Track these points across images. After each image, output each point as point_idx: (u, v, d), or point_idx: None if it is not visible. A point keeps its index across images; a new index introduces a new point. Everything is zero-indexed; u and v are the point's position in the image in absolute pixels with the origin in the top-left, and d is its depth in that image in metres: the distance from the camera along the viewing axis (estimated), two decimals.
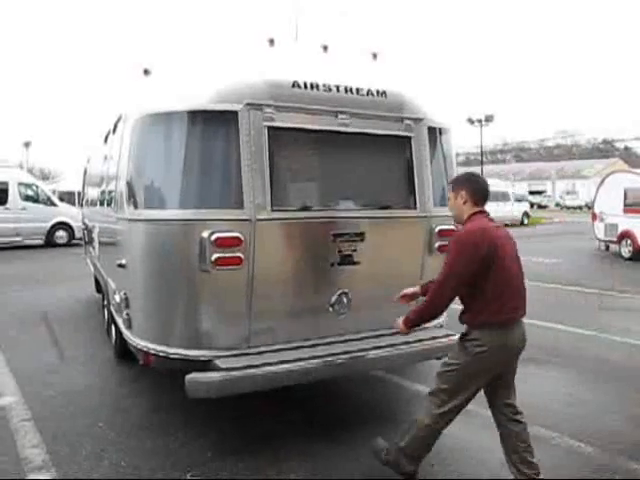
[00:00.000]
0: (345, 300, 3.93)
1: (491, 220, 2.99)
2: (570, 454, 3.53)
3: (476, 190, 2.99)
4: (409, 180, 4.19)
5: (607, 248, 15.05)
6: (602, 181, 15.54)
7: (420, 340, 4.02)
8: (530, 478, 2.89)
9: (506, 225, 25.59)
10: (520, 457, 2.92)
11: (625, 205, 13.95)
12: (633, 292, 9.32)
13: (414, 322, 3.05)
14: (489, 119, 45.04)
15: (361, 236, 3.92)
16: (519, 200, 29.40)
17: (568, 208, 52.60)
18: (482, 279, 2.80)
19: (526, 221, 28.24)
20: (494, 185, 28.59)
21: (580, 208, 50.27)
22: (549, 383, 4.87)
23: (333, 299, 3.83)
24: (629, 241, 13.66)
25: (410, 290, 3.43)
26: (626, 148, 72.38)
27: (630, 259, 13.50)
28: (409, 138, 4.18)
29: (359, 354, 3.75)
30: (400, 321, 3.09)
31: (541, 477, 2.92)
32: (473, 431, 3.77)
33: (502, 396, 2.99)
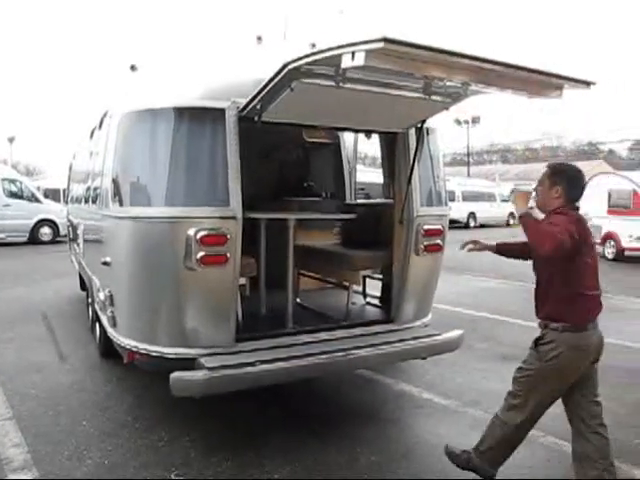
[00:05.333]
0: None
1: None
2: (555, 453, 3.56)
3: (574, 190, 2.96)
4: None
5: None
6: (586, 183, 15.69)
7: (402, 340, 4.04)
8: None
9: (492, 226, 25.87)
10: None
11: (609, 206, 14.11)
12: (615, 292, 9.43)
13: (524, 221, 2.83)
14: (476, 120, 45.40)
15: None
16: (505, 201, 29.62)
17: None
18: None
19: (512, 222, 28.43)
20: (480, 186, 28.80)
21: None
22: None
23: None
24: (613, 242, 13.82)
25: (484, 242, 3.36)
26: (610, 150, 73.26)
27: (614, 260, 13.66)
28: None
29: (341, 354, 3.75)
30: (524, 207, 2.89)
31: (529, 478, 2.89)
32: (461, 432, 3.79)
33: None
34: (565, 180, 2.94)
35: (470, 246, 3.36)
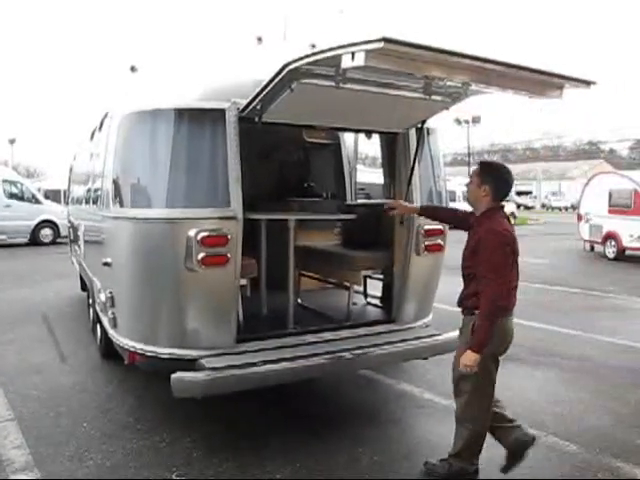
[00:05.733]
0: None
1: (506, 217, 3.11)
2: (555, 452, 3.56)
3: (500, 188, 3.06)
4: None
5: (592, 249, 15.20)
6: (587, 182, 15.70)
7: (405, 340, 4.04)
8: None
9: None
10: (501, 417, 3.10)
11: (610, 206, 14.10)
12: (617, 292, 9.43)
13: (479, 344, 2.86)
14: (476, 120, 45.36)
15: None
16: (506, 201, 29.60)
17: (554, 209, 53.03)
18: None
19: (512, 222, 28.23)
20: None
21: (566, 209, 50.69)
22: (534, 382, 4.90)
23: None
24: (613, 242, 13.81)
25: (405, 204, 3.71)
26: (611, 150, 73.26)
27: (615, 259, 13.66)
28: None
29: (343, 354, 3.76)
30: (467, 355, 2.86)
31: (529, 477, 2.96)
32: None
33: None
34: (493, 180, 3.04)
35: (394, 211, 3.72)
